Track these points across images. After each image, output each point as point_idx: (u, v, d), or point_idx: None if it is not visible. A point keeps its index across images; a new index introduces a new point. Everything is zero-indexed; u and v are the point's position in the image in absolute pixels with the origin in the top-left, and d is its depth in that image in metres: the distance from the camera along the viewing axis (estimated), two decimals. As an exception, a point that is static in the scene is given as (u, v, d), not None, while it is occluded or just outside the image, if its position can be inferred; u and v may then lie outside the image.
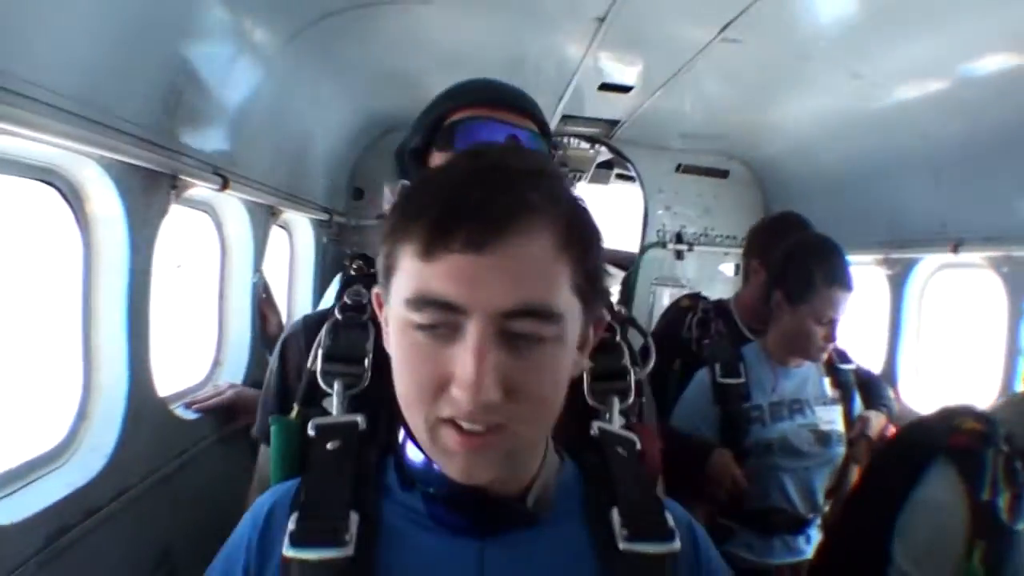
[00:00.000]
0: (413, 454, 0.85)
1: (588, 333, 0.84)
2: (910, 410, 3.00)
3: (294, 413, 1.11)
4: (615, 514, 0.85)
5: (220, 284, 2.61)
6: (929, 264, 3.00)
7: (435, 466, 0.80)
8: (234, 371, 2.56)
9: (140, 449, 1.76)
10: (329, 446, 0.90)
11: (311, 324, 1.22)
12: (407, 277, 0.73)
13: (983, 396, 2.28)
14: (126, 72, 1.58)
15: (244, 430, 1.50)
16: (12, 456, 1.50)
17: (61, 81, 1.35)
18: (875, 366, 3.13)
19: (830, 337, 2.04)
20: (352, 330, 1.13)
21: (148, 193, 1.78)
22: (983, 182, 2.46)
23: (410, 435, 0.84)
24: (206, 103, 2.02)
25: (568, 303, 0.74)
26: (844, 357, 2.27)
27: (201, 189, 2.11)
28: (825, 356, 2.13)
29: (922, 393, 3.08)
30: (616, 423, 1.09)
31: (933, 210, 2.74)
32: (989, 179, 2.42)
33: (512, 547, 0.82)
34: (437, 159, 1.24)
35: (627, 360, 1.18)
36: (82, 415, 1.68)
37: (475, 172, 0.74)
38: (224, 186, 2.13)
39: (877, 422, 2.23)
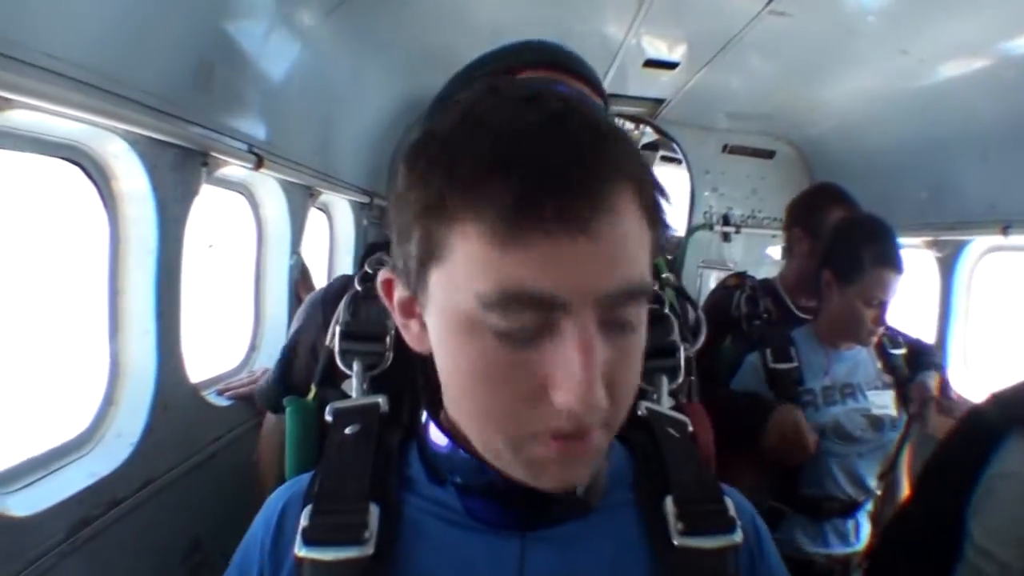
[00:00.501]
0: (437, 438, 0.74)
1: None
2: (961, 398, 2.88)
3: (311, 394, 1.03)
4: (669, 503, 0.74)
5: (256, 267, 2.56)
6: (978, 247, 2.90)
7: (462, 452, 0.70)
8: (271, 356, 2.50)
9: (169, 436, 1.71)
10: (348, 431, 0.79)
11: (329, 298, 1.12)
12: (474, 267, 0.57)
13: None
14: (152, 44, 1.51)
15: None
16: (35, 444, 1.45)
17: (83, 53, 1.28)
18: None
19: (879, 320, 1.97)
20: (373, 303, 1.02)
21: (177, 171, 1.71)
22: None
23: (434, 417, 0.75)
24: (239, 78, 1.94)
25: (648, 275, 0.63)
26: (895, 341, 2.19)
27: (235, 168, 2.05)
28: (875, 340, 2.05)
29: (972, 378, 2.98)
30: (665, 404, 0.98)
31: (982, 191, 2.63)
32: None
33: (558, 543, 0.71)
34: None
35: (676, 335, 1.07)
36: (108, 401, 1.63)
37: (545, 125, 0.57)
38: (259, 165, 2.06)
39: (933, 382, 2.16)
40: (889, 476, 2.15)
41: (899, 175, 3.24)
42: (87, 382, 1.70)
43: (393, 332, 0.98)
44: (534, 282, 0.55)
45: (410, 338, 0.71)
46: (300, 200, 2.63)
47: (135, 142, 1.55)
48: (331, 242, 3.50)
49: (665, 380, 1.00)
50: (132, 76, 1.45)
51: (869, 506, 2.09)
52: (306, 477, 0.77)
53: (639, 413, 0.86)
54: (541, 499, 0.68)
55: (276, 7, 1.98)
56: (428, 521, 0.72)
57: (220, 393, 2.12)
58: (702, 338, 1.21)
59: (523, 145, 0.56)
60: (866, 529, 2.08)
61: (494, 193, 0.55)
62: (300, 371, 1.14)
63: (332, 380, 1.01)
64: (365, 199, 3.57)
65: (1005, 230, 2.46)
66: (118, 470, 1.50)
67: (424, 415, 0.77)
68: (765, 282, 2.49)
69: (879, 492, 2.11)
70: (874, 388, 2.06)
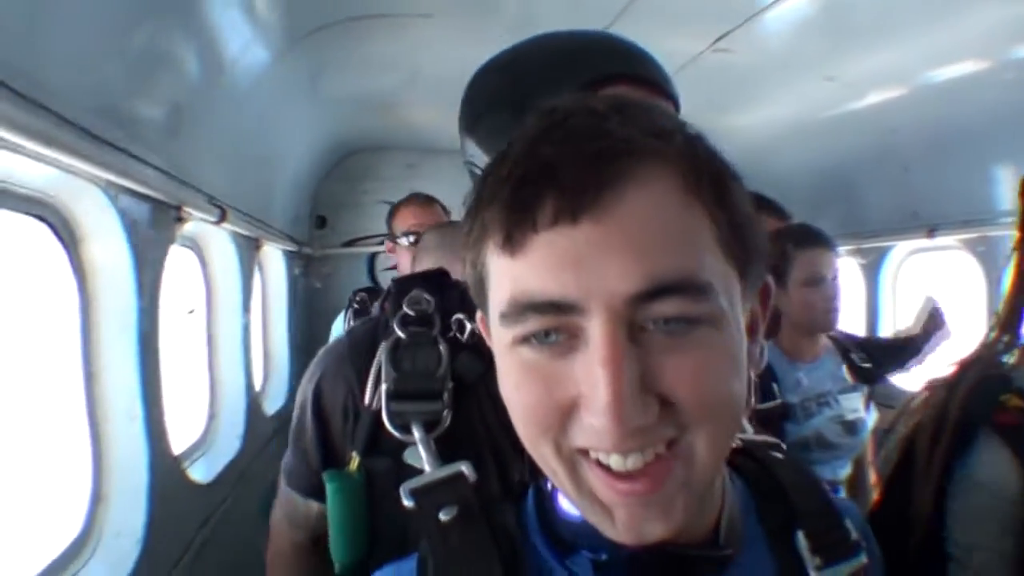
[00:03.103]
0: (568, 507, 0.63)
1: (756, 309, 0.64)
2: (897, 388, 3.02)
3: (354, 464, 0.87)
4: (801, 538, 0.68)
5: (208, 328, 2.34)
6: (900, 251, 3.16)
7: None
8: (231, 422, 2.29)
9: (169, 526, 1.50)
10: (443, 517, 0.67)
11: (358, 346, 0.94)
12: (497, 282, 0.54)
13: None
14: (136, 89, 1.34)
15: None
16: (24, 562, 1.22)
17: (62, 86, 1.11)
18: None
19: (830, 298, 2.01)
20: (419, 350, 0.88)
21: (153, 227, 1.53)
22: (953, 172, 2.55)
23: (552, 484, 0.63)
24: (205, 127, 1.78)
25: (716, 267, 0.53)
26: (858, 351, 2.22)
27: (189, 224, 1.86)
28: (838, 319, 2.09)
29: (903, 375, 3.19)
30: (749, 431, 0.88)
31: (903, 201, 2.83)
32: (958, 169, 2.51)
33: None
34: None
35: None
36: (96, 497, 1.41)
37: (557, 122, 0.53)
38: (222, 218, 1.89)
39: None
40: (856, 483, 2.20)
41: (819, 192, 3.41)
42: (65, 477, 1.46)
43: (451, 386, 0.86)
44: (539, 286, 0.50)
45: (501, 382, 0.61)
46: (249, 253, 2.45)
47: (115, 196, 1.38)
48: (264, 295, 3.27)
49: None
50: (121, 121, 1.28)
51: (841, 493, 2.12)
52: (404, 571, 0.65)
53: (734, 445, 0.76)
54: (681, 562, 0.60)
55: (238, 39, 1.83)
56: None
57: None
58: (765, 357, 1.14)
59: (531, 146, 0.52)
60: None
61: (501, 199, 0.52)
62: (329, 440, 0.93)
63: (380, 448, 0.86)
64: (294, 247, 3.38)
65: (931, 233, 2.66)
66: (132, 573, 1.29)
67: (548, 482, 0.65)
68: None
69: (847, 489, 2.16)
70: (842, 392, 2.10)
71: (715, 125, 3.28)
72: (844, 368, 2.17)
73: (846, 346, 2.20)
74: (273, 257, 3.24)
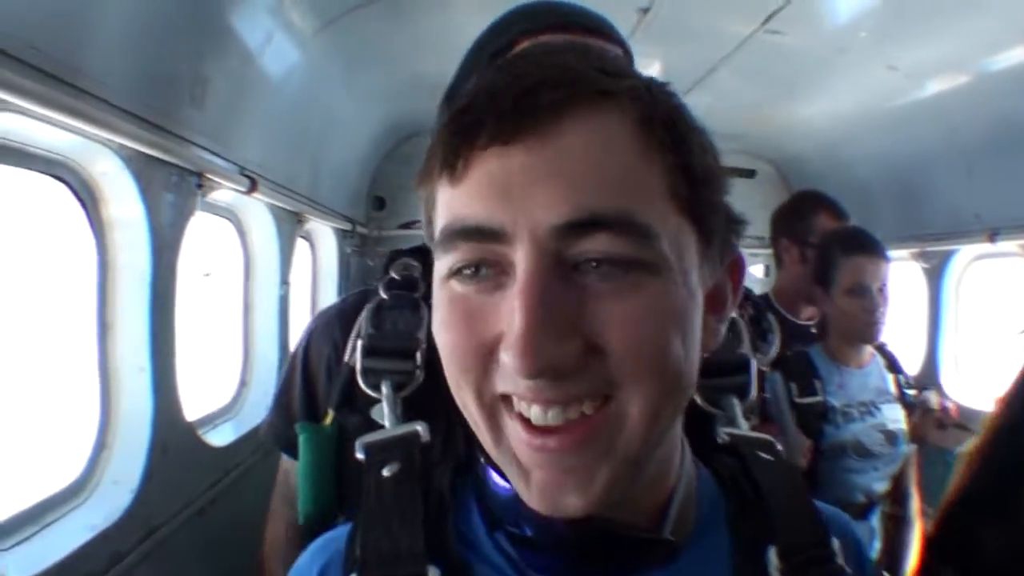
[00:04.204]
0: (499, 479, 0.60)
1: (724, 283, 0.59)
2: (957, 403, 2.89)
3: (328, 419, 0.90)
4: (773, 556, 0.60)
5: (244, 297, 2.42)
6: (965, 256, 3.00)
7: None
8: (264, 392, 2.35)
9: (169, 481, 1.56)
10: (386, 472, 0.65)
11: (348, 309, 0.97)
12: (439, 214, 0.52)
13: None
14: (148, 53, 1.39)
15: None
16: (23, 496, 1.29)
17: (78, 57, 1.17)
18: (915, 361, 3.15)
19: (874, 309, 1.97)
20: (401, 313, 0.89)
21: (172, 192, 1.59)
22: (1016, 172, 2.40)
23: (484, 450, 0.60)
24: (233, 95, 1.83)
25: (666, 218, 0.50)
26: (908, 383, 2.19)
27: (223, 192, 1.92)
28: (881, 332, 2.04)
29: (964, 385, 3.05)
30: (744, 428, 0.82)
31: (966, 202, 2.69)
32: (1021, 169, 2.37)
33: None
34: None
35: (747, 344, 0.90)
36: (101, 445, 1.48)
37: (511, 61, 0.53)
38: (252, 189, 1.94)
39: (934, 400, 2.19)
40: (899, 489, 2.14)
41: (882, 189, 3.28)
42: (75, 424, 1.54)
43: (425, 345, 0.85)
44: (469, 211, 0.49)
45: None
46: (288, 227, 2.51)
47: (129, 159, 1.43)
48: (314, 271, 3.36)
49: (736, 402, 0.84)
50: (127, 86, 1.33)
51: (881, 509, 2.08)
52: (342, 534, 0.64)
53: (720, 440, 0.73)
54: (610, 543, 0.56)
55: (269, 24, 1.88)
56: None
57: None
58: (776, 346, 1.06)
59: (480, 79, 0.52)
60: (878, 540, 2.08)
61: (445, 127, 0.51)
62: (313, 396, 0.97)
63: (353, 404, 0.88)
64: (348, 226, 3.45)
65: (992, 237, 2.52)
66: (119, 521, 1.35)
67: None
68: (764, 297, 2.45)
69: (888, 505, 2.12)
70: (886, 402, 2.06)
71: (776, 115, 3.26)
72: (891, 380, 2.12)
73: (896, 363, 2.16)
74: (323, 234, 3.32)
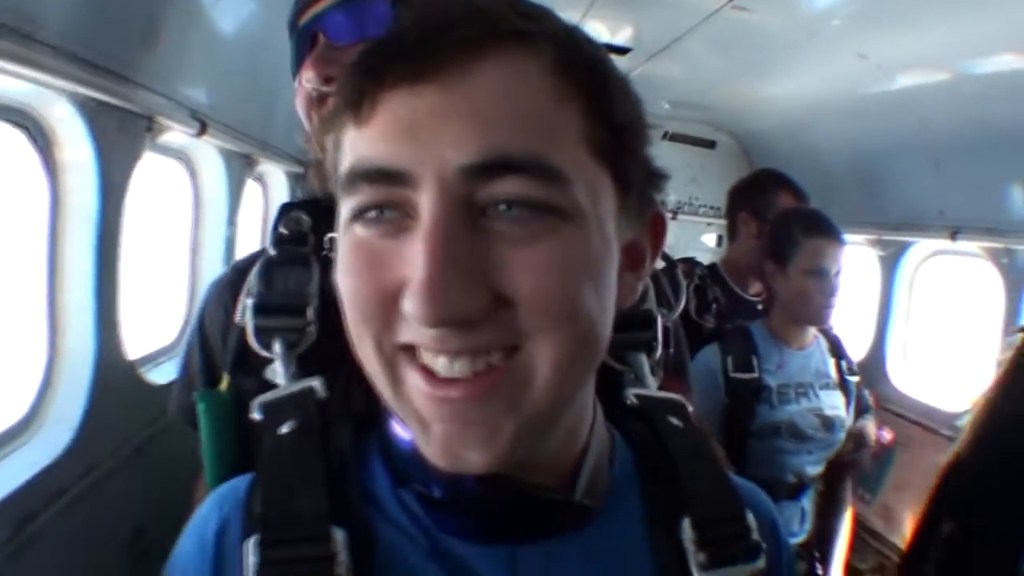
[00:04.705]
0: (402, 431, 0.59)
1: (643, 239, 0.58)
2: (898, 392, 3.00)
3: (224, 384, 0.88)
4: (687, 527, 0.60)
5: (192, 237, 2.42)
6: (923, 249, 3.02)
7: None
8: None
9: (109, 419, 1.60)
10: (284, 430, 0.64)
11: (240, 270, 0.94)
12: (344, 158, 0.50)
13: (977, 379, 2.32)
14: (102, 1, 1.38)
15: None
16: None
17: (35, 8, 1.16)
18: (862, 348, 3.17)
19: (828, 292, 1.97)
20: (292, 269, 0.87)
21: (122, 135, 1.59)
22: (984, 175, 2.45)
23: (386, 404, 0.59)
24: (183, 38, 1.81)
25: (582, 164, 0.49)
26: (851, 368, 2.19)
27: (175, 135, 1.92)
28: (831, 316, 2.04)
29: (910, 376, 3.10)
30: (652, 386, 0.83)
31: (931, 197, 2.73)
32: (991, 173, 2.42)
33: (555, 559, 0.58)
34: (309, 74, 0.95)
35: (652, 301, 0.89)
36: (47, 383, 1.51)
37: (420, 6, 0.51)
38: (202, 131, 1.94)
39: (871, 429, 2.20)
40: (832, 473, 2.16)
41: (845, 173, 3.30)
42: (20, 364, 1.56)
43: (317, 301, 0.85)
44: (374, 152, 0.47)
45: None
46: (238, 169, 2.51)
47: (82, 104, 1.43)
48: (265, 214, 3.35)
49: (644, 358, 0.85)
50: (77, 31, 1.32)
51: (815, 489, 2.12)
52: (241, 486, 0.62)
53: (628, 402, 0.72)
54: (526, 505, 0.56)
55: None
56: (401, 539, 0.58)
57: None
58: (682, 302, 1.06)
59: (394, 20, 0.51)
60: (809, 521, 2.11)
61: (351, 71, 0.50)
62: (212, 365, 0.94)
63: (247, 366, 0.85)
64: (300, 169, 3.43)
65: (954, 235, 2.55)
66: (60, 459, 1.40)
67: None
68: (711, 268, 2.52)
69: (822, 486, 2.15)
70: (825, 387, 2.08)
71: (742, 90, 3.29)
72: (832, 364, 2.12)
73: (840, 347, 2.15)
74: (276, 177, 3.31)
